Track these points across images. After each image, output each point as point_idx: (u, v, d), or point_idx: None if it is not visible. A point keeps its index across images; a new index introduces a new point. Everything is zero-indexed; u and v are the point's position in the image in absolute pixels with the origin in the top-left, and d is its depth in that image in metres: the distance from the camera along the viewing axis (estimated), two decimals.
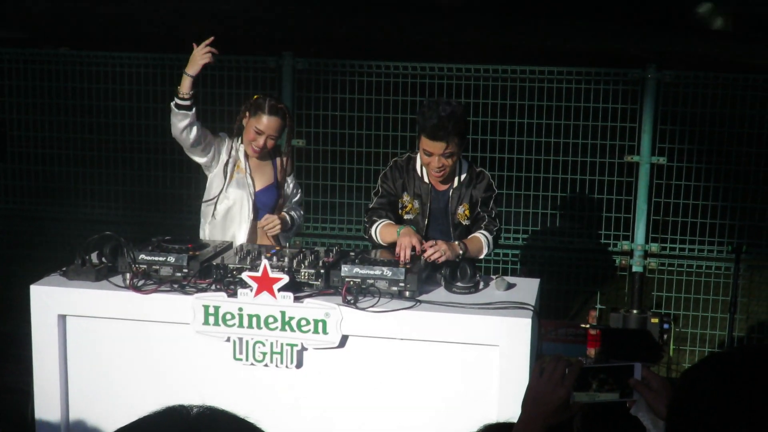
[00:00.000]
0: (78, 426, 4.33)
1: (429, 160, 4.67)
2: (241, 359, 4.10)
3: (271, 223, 4.94)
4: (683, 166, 6.40)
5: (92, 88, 7.02)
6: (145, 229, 6.55)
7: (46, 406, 4.31)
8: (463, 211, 4.84)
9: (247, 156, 5.03)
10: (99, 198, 7.16)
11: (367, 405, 4.10)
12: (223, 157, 4.99)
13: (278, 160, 5.14)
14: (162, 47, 7.41)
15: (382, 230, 4.75)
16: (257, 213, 5.06)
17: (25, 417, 4.46)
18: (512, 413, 2.71)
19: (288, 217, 5.08)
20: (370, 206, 4.91)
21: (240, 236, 5.00)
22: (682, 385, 1.84)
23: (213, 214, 5.02)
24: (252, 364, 4.09)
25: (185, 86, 4.75)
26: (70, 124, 7.10)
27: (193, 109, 4.76)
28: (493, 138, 6.53)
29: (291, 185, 5.20)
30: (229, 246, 4.59)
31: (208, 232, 5.07)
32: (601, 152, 6.47)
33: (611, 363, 2.30)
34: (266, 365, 4.08)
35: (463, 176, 4.85)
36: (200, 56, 4.76)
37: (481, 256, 4.76)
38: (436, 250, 4.38)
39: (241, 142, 5.01)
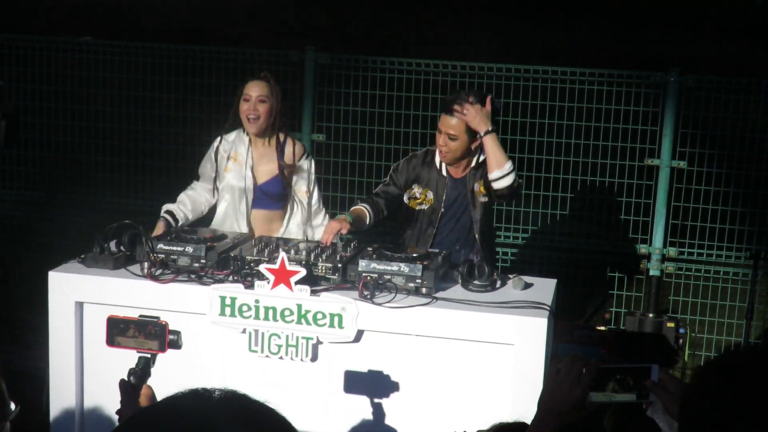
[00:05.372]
0: (92, 413, 4.36)
1: (437, 137, 4.88)
2: (256, 351, 4.11)
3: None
4: (703, 170, 6.37)
5: (113, 78, 7.04)
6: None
7: (61, 392, 4.34)
8: (478, 188, 4.96)
9: (249, 146, 5.06)
10: (118, 187, 7.18)
11: (380, 400, 4.11)
12: (223, 156, 5.07)
13: (285, 145, 5.11)
14: (186, 39, 7.43)
15: (356, 209, 4.92)
16: (257, 204, 5.07)
17: (40, 403, 4.49)
18: (526, 413, 2.71)
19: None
20: (374, 196, 5.06)
21: (239, 228, 5.02)
22: (692, 384, 1.85)
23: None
24: (267, 356, 4.10)
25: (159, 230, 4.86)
26: (92, 113, 7.12)
27: (180, 215, 4.98)
28: (513, 138, 6.52)
29: (315, 193, 5.18)
30: (248, 238, 4.60)
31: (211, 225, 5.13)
32: (621, 155, 6.45)
33: (628, 364, 2.29)
34: (281, 358, 4.09)
35: (481, 158, 4.96)
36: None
37: (503, 168, 4.80)
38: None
39: (245, 132, 5.06)
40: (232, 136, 5.09)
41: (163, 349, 3.01)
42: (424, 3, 15.41)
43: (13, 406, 2.78)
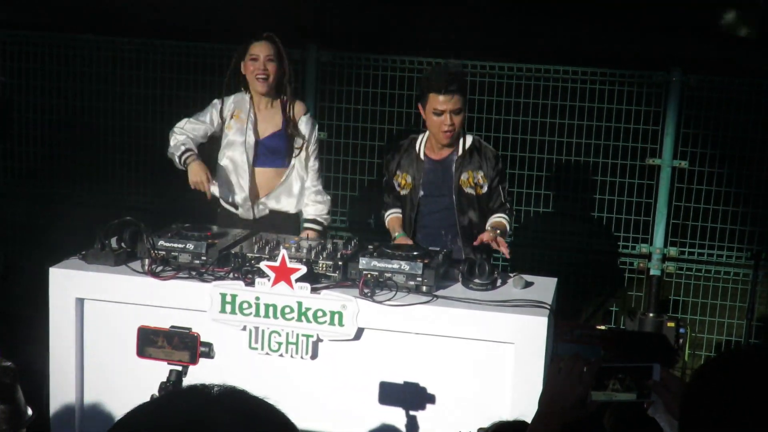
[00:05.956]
0: (92, 408, 4.36)
1: (439, 120, 4.78)
2: (256, 348, 4.11)
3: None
4: (705, 170, 6.37)
5: (115, 75, 7.03)
6: (165, 216, 6.56)
7: (61, 389, 4.34)
8: (466, 178, 4.92)
9: (251, 104, 5.07)
10: (119, 184, 7.18)
11: (380, 399, 4.10)
12: (226, 115, 5.08)
13: (287, 104, 5.12)
14: (188, 36, 7.41)
15: (390, 220, 5.06)
16: (259, 161, 5.07)
17: (40, 399, 4.48)
18: (525, 411, 2.71)
19: (319, 227, 5.15)
20: (385, 194, 5.15)
21: (241, 187, 5.03)
22: (693, 383, 1.85)
23: (216, 169, 5.10)
24: (267, 353, 4.10)
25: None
26: (93, 110, 7.12)
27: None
28: (514, 137, 6.51)
29: (312, 149, 5.17)
30: (249, 235, 4.60)
31: (216, 186, 5.10)
32: (622, 154, 6.44)
33: (630, 363, 2.29)
34: (281, 355, 4.09)
35: (468, 144, 4.94)
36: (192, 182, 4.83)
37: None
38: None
39: (246, 91, 5.08)
40: (232, 98, 5.13)
41: (194, 361, 2.96)
42: (426, 2, 15.41)
43: (30, 411, 2.78)
